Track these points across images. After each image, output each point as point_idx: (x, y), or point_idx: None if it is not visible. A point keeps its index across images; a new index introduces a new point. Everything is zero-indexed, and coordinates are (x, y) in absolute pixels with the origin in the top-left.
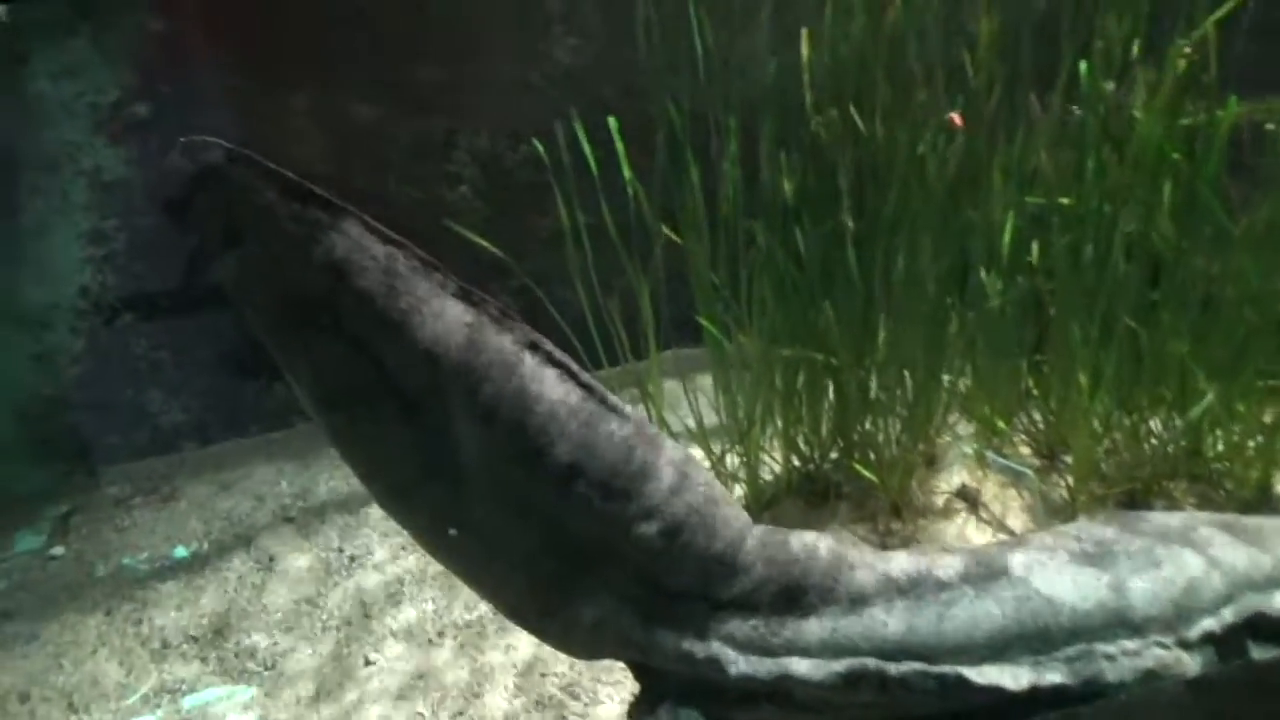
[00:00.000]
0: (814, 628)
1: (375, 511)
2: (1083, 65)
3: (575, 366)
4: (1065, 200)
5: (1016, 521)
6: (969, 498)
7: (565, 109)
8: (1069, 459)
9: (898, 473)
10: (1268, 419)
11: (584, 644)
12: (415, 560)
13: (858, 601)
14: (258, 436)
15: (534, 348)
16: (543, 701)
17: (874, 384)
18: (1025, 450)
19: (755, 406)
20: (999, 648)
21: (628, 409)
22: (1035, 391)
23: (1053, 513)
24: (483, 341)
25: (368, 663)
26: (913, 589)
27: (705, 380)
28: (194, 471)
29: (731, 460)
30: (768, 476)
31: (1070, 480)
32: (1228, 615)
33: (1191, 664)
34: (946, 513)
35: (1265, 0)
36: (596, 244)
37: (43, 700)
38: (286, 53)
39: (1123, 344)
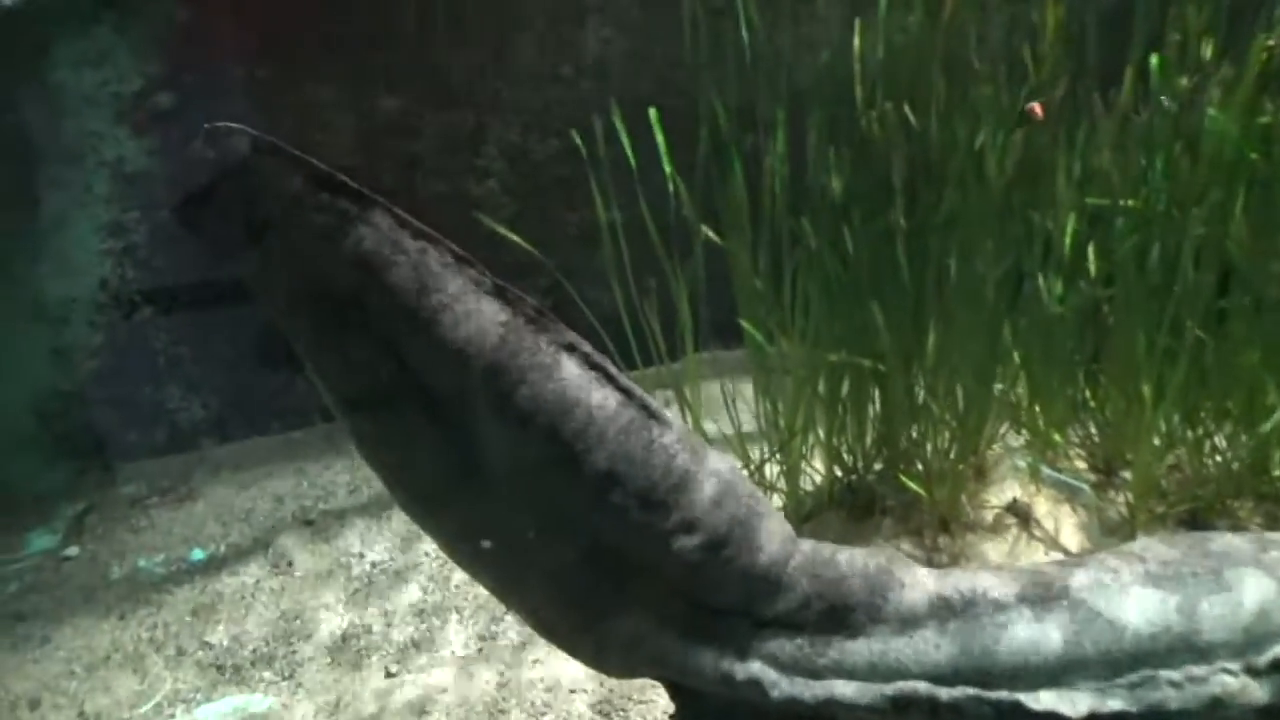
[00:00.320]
0: (861, 649)
1: (398, 516)
2: (1154, 59)
3: (614, 370)
4: (1131, 202)
5: (1071, 540)
6: (1020, 513)
7: (602, 103)
8: (1127, 474)
9: (946, 485)
10: None
11: (618, 662)
12: (440, 568)
13: (908, 622)
14: (279, 434)
15: (571, 349)
16: None
17: (922, 391)
18: (1080, 464)
19: (797, 413)
20: (1057, 673)
21: (669, 415)
22: (1091, 403)
23: (1109, 531)
24: (518, 342)
25: (389, 674)
26: (966, 609)
27: (745, 385)
28: (212, 470)
29: (771, 469)
30: (808, 487)
31: (1129, 497)
32: None
33: (1260, 692)
34: (996, 529)
35: None
36: (630, 241)
37: (54, 708)
38: (313, 42)
39: (1190, 354)
